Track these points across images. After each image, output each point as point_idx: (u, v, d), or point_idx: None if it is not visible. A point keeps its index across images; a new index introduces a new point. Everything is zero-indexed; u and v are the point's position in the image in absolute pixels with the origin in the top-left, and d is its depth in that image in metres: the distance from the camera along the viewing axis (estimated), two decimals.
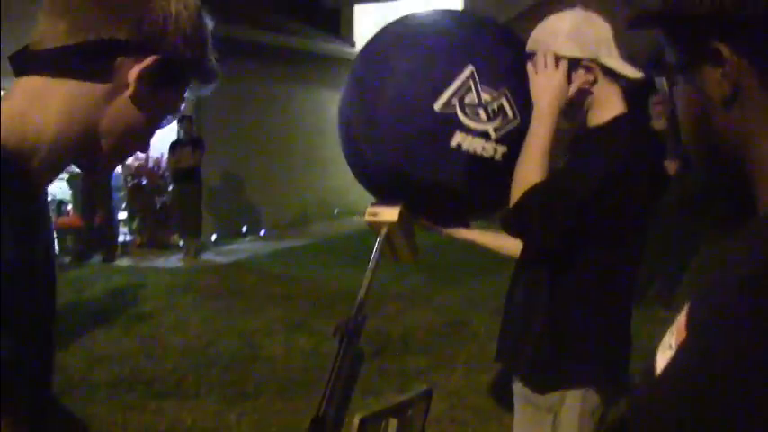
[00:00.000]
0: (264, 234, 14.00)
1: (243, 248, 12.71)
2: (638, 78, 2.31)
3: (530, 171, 2.27)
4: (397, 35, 2.53)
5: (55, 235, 7.23)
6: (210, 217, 12.60)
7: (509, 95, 2.35)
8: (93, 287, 9.20)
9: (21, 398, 1.02)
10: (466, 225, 2.66)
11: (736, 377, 0.76)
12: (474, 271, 9.06)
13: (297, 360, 6.53)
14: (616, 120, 2.35)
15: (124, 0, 1.21)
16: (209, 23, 1.31)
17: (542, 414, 2.42)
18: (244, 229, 13.86)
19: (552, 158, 2.29)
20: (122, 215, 12.57)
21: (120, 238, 12.05)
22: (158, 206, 12.45)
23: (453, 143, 2.31)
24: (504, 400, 5.14)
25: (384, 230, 2.31)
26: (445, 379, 5.91)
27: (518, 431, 2.54)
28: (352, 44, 16.95)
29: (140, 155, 11.44)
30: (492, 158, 2.35)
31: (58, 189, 11.80)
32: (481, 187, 2.42)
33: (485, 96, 2.31)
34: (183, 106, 1.37)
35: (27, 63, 1.20)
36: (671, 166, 6.32)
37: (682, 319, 0.85)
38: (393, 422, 1.81)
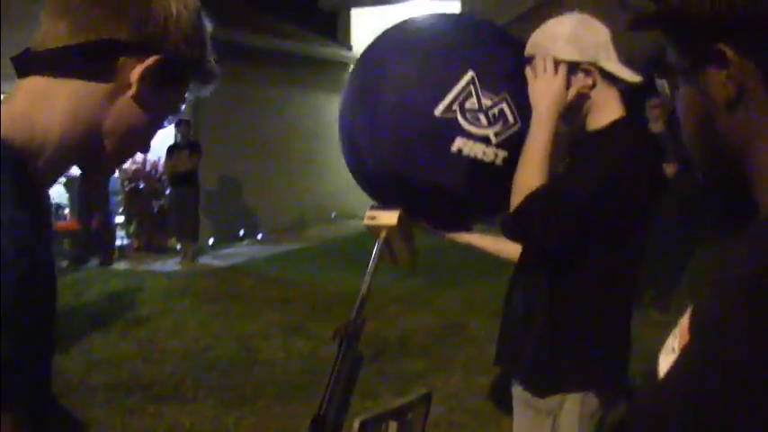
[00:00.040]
0: (262, 238, 13.99)
1: (240, 252, 12.71)
2: (637, 82, 2.32)
3: (530, 176, 2.27)
4: (396, 40, 2.53)
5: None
6: (208, 221, 12.59)
7: (509, 100, 2.35)
8: (90, 291, 9.19)
9: (21, 398, 1.01)
10: (467, 229, 2.66)
11: (738, 380, 0.76)
12: (472, 274, 9.06)
13: (295, 363, 6.53)
14: (615, 123, 2.35)
15: (126, 0, 1.21)
16: (209, 25, 1.32)
17: (542, 417, 2.42)
18: (241, 232, 13.85)
19: (551, 162, 2.29)
20: (119, 219, 12.56)
21: (118, 242, 12.05)
22: (155, 210, 12.44)
23: (454, 148, 2.31)
24: (502, 403, 5.14)
25: (383, 234, 2.31)
26: (443, 382, 5.91)
27: None
28: (349, 48, 16.95)
29: (137, 158, 11.56)
30: (492, 163, 2.35)
31: (56, 193, 11.78)
32: (482, 192, 2.42)
33: (485, 101, 2.32)
34: (183, 106, 1.38)
35: (29, 64, 1.21)
36: (669, 169, 6.34)
37: (684, 322, 0.85)
38: (393, 425, 1.81)
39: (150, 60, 1.21)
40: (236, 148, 13.53)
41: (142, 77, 1.21)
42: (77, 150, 1.22)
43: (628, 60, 2.36)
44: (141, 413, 5.45)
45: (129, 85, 1.22)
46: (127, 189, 12.47)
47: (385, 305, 7.89)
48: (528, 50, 2.40)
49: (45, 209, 1.26)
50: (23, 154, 1.14)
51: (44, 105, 1.18)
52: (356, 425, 1.69)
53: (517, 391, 2.51)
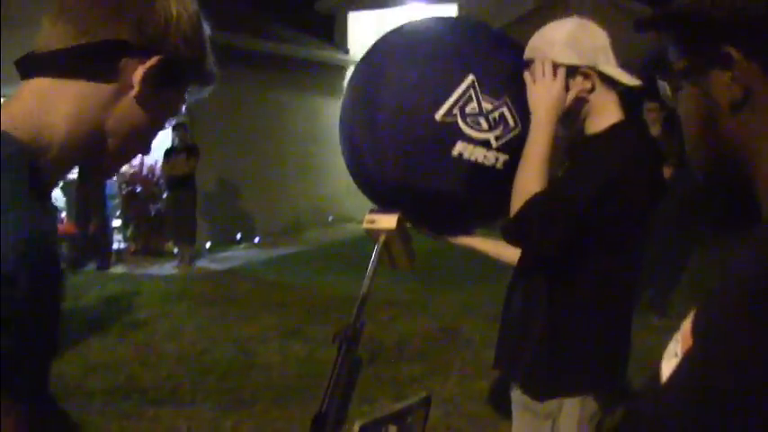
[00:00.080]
0: (259, 241, 13.98)
1: (237, 256, 12.70)
2: (636, 85, 2.32)
3: (529, 180, 2.27)
4: (395, 45, 2.53)
5: None
6: (205, 224, 12.58)
7: (510, 104, 2.35)
8: (87, 295, 9.17)
9: (27, 391, 1.03)
10: (468, 233, 2.66)
11: (742, 385, 0.76)
12: (469, 278, 9.06)
13: (292, 367, 6.52)
14: (614, 127, 2.35)
15: (127, 2, 1.23)
16: (207, 27, 1.34)
17: (540, 421, 2.42)
18: (238, 236, 13.85)
19: (550, 166, 2.30)
20: (117, 222, 12.56)
21: (115, 246, 12.03)
22: (153, 213, 12.44)
23: (455, 152, 2.31)
24: (500, 407, 5.14)
25: (382, 238, 2.31)
26: (440, 386, 5.90)
27: None
28: (346, 51, 16.98)
29: (134, 162, 11.54)
30: (493, 167, 2.35)
31: (53, 197, 11.76)
32: (483, 195, 2.42)
33: (486, 105, 2.32)
34: (183, 108, 1.40)
35: (33, 66, 1.23)
36: (666, 172, 6.34)
37: (687, 326, 0.85)
38: (393, 429, 1.80)
39: (152, 61, 1.23)
40: (233, 152, 13.54)
41: (144, 78, 1.23)
42: (81, 149, 1.23)
43: (625, 64, 2.36)
44: (139, 417, 5.44)
45: (132, 86, 1.24)
46: (124, 193, 12.47)
47: (382, 309, 7.88)
48: (527, 54, 2.40)
49: (51, 207, 1.27)
50: (31, 150, 1.16)
51: (49, 105, 1.20)
52: (356, 429, 1.69)
53: (516, 395, 2.51)
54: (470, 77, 2.31)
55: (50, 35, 1.22)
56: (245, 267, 11.59)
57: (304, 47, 15.81)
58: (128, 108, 1.25)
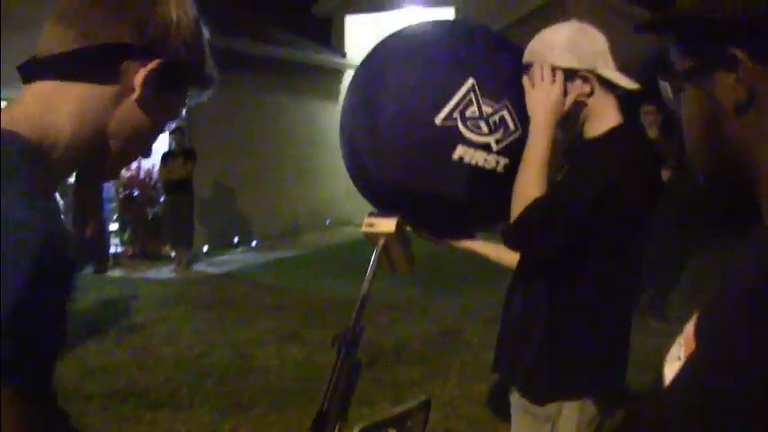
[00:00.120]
0: (256, 245, 13.99)
1: (234, 259, 12.70)
2: (635, 89, 2.32)
3: (529, 186, 2.26)
4: (395, 49, 2.53)
5: None
6: (202, 228, 12.58)
7: (510, 107, 2.35)
8: (84, 298, 9.15)
9: (37, 383, 1.04)
10: (469, 236, 2.66)
11: (745, 388, 0.76)
12: (467, 281, 9.06)
13: (289, 370, 6.52)
14: (613, 130, 2.35)
15: (128, 6, 1.25)
16: (206, 32, 1.36)
17: (540, 424, 2.42)
18: (235, 239, 13.85)
19: (550, 170, 2.29)
20: (114, 226, 12.54)
21: (112, 250, 12.02)
22: (150, 217, 12.43)
23: (455, 156, 2.31)
24: (498, 410, 5.14)
25: (381, 241, 2.31)
26: (439, 389, 5.90)
27: None
28: (344, 54, 16.99)
29: (132, 166, 11.53)
30: (494, 170, 2.35)
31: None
32: (484, 199, 2.42)
33: (486, 109, 2.31)
34: (183, 111, 1.42)
35: (35, 70, 1.24)
36: (664, 174, 6.34)
37: (690, 329, 0.85)
38: None
39: (153, 64, 1.25)
40: (230, 155, 13.54)
41: (145, 81, 1.25)
42: (85, 151, 1.25)
43: (622, 67, 2.36)
44: (137, 421, 5.43)
45: (133, 89, 1.25)
46: (121, 196, 12.45)
47: (381, 312, 7.89)
48: (526, 58, 2.40)
49: (57, 206, 1.29)
50: (39, 149, 1.18)
51: (53, 107, 1.22)
52: None
53: (515, 398, 2.51)
54: (470, 81, 2.31)
55: (52, 39, 1.24)
56: (242, 271, 11.59)
57: (301, 50, 15.82)
58: (129, 111, 1.26)
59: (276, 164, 14.75)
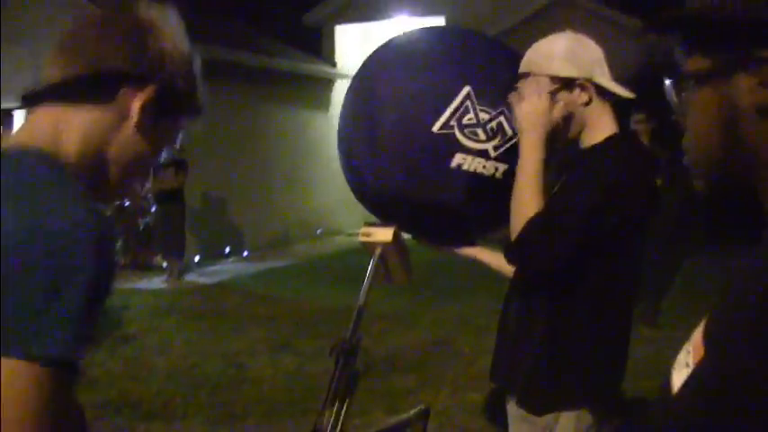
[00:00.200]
0: (247, 255, 13.95)
1: (226, 269, 12.66)
2: (631, 97, 2.33)
3: (526, 201, 2.25)
4: (390, 58, 2.53)
5: None
6: (194, 238, 12.55)
7: (507, 112, 2.35)
8: None
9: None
10: (469, 243, 2.65)
11: (755, 395, 0.76)
12: (461, 290, 9.05)
13: (282, 380, 6.49)
14: (609, 139, 2.35)
15: (125, 34, 1.31)
16: (198, 60, 1.43)
17: None
18: (227, 249, 13.81)
19: (546, 182, 2.29)
20: None
21: None
22: (141, 227, 12.41)
23: (453, 164, 2.31)
24: (493, 419, 5.14)
25: (378, 251, 2.31)
26: (434, 398, 5.88)
27: None
28: (334, 64, 16.99)
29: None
30: (493, 176, 2.36)
31: None
32: (483, 205, 2.42)
33: (483, 116, 2.32)
34: (179, 137, 1.48)
35: (38, 98, 1.30)
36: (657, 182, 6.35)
37: (698, 336, 0.85)
38: None
39: (149, 90, 1.31)
40: (221, 166, 13.51)
41: (143, 107, 1.31)
42: (87, 174, 1.29)
43: (616, 78, 2.37)
44: None
45: (131, 115, 1.31)
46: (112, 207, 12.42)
47: (375, 322, 7.87)
48: (522, 69, 2.40)
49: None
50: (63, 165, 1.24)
51: (63, 128, 1.28)
52: None
53: (513, 407, 2.50)
54: (466, 88, 2.32)
55: (54, 66, 1.30)
56: (233, 281, 11.55)
57: (292, 60, 15.81)
58: (129, 136, 1.32)
59: (267, 174, 14.73)
